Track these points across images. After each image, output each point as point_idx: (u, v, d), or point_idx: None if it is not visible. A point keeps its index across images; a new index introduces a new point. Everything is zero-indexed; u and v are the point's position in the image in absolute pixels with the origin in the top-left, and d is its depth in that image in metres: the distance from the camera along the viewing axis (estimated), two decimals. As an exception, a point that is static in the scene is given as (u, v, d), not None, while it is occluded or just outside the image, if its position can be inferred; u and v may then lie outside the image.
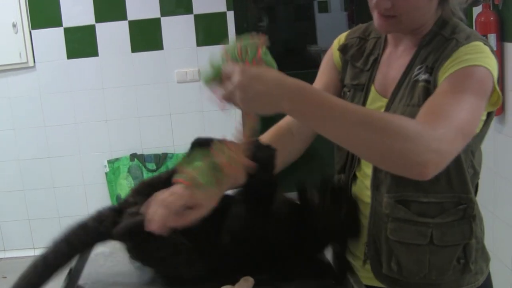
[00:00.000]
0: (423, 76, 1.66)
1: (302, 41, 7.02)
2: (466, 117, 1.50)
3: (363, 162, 1.82)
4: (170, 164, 5.26)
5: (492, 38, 3.56)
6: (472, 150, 1.70)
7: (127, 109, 5.35)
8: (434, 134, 1.41)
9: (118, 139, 5.40)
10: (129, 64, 5.28)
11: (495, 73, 1.60)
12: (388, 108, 1.73)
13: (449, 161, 1.46)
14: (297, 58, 6.75)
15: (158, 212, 1.52)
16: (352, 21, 6.63)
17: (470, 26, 3.90)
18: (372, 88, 1.81)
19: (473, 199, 1.70)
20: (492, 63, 1.60)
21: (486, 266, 1.82)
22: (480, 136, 1.72)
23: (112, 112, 5.36)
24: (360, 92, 1.84)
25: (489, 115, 1.71)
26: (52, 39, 5.22)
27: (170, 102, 5.35)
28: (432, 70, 1.65)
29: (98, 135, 5.39)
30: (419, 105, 1.60)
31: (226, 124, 5.31)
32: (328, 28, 6.91)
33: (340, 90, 1.94)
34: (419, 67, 1.69)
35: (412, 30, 1.73)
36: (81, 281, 1.99)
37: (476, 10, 3.79)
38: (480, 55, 1.59)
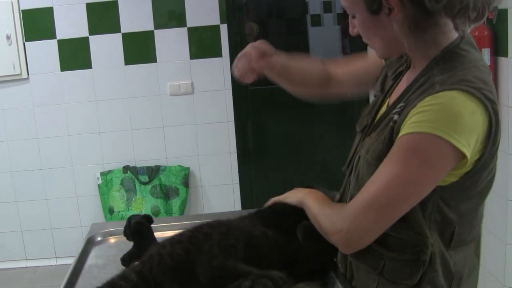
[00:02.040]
0: (395, 117, 1.63)
1: (295, 55, 7.03)
2: (375, 191, 1.56)
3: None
4: (162, 177, 5.27)
5: (486, 52, 3.58)
6: (443, 197, 1.62)
7: (120, 121, 5.35)
8: (340, 216, 1.64)
9: (111, 151, 5.41)
10: (122, 77, 5.29)
11: (459, 132, 1.48)
12: (367, 130, 1.79)
13: (367, 235, 1.60)
14: (290, 72, 6.75)
15: (239, 64, 2.05)
16: (345, 35, 6.64)
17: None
18: (387, 102, 1.80)
19: (428, 244, 1.64)
20: (456, 123, 1.49)
21: None
22: (460, 187, 1.61)
23: (105, 124, 5.37)
24: (375, 102, 1.86)
25: (479, 163, 1.58)
26: (45, 51, 5.22)
27: (163, 114, 5.36)
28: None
29: (91, 147, 5.40)
30: (384, 144, 1.64)
31: (218, 136, 5.37)
32: (321, 42, 6.93)
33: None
34: (401, 104, 1.64)
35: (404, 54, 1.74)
36: (75, 293, 2.00)
37: (469, 24, 3.81)
38: (438, 115, 1.50)
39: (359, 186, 1.70)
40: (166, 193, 5.25)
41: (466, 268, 1.73)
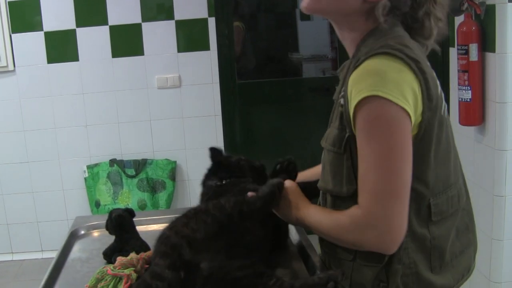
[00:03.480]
0: (341, 101, 1.67)
1: (284, 49, 7.02)
2: (375, 179, 1.56)
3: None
4: (149, 170, 5.25)
5: (474, 48, 3.58)
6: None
7: (107, 114, 5.33)
8: (360, 223, 1.61)
9: (97, 144, 5.39)
10: (110, 69, 5.26)
11: (398, 91, 1.52)
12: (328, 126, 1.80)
13: (399, 220, 1.58)
14: (279, 66, 6.75)
15: None
16: (333, 29, 6.64)
17: (452, 36, 3.95)
18: None
19: None
20: (384, 80, 1.53)
21: None
22: (415, 155, 1.60)
23: (92, 117, 5.34)
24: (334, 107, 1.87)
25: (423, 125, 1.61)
26: (32, 43, 5.19)
27: (150, 108, 5.34)
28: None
29: (77, 140, 5.38)
30: (338, 128, 1.68)
31: (205, 130, 5.35)
32: (310, 36, 6.92)
33: None
34: (343, 88, 1.68)
35: (335, 16, 1.78)
36: (57, 287, 1.99)
37: (458, 19, 3.81)
38: (370, 79, 1.54)
39: (324, 176, 1.77)
40: (153, 187, 5.23)
41: (449, 243, 1.73)
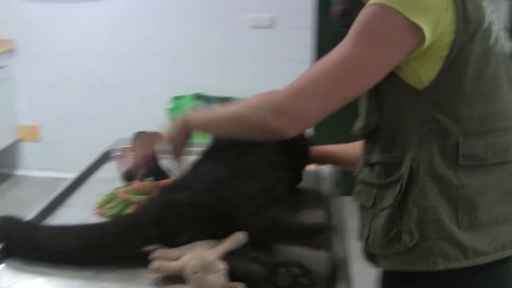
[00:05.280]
0: None
1: None
2: (323, 67, 1.49)
3: None
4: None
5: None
6: (433, 100, 1.50)
7: (197, 48, 5.33)
8: (279, 97, 1.52)
9: (185, 77, 5.41)
10: (203, 2, 5.26)
11: (413, 4, 1.40)
12: None
13: (312, 117, 1.51)
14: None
15: None
16: None
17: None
18: None
19: (405, 159, 1.53)
20: None
21: (457, 253, 1.53)
22: (446, 84, 1.48)
23: (182, 49, 5.37)
24: None
25: (456, 47, 1.46)
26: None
27: (241, 46, 5.31)
28: None
29: (165, 70, 5.42)
30: None
31: (294, 75, 5.24)
32: None
33: None
34: None
35: None
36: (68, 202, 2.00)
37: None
38: None
39: (358, 121, 1.70)
40: (233, 125, 5.20)
41: (486, 200, 1.53)
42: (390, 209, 1.57)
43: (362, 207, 1.69)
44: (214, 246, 1.52)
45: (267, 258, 1.48)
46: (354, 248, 1.71)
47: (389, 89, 1.53)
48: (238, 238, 1.52)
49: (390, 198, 1.57)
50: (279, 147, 1.88)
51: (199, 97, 5.29)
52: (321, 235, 1.63)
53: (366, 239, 1.66)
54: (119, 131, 5.37)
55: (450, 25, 1.43)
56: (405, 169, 1.53)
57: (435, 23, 1.41)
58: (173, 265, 1.48)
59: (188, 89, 5.37)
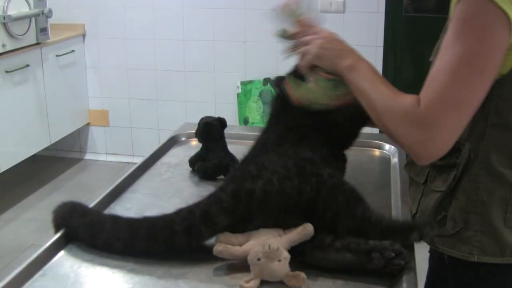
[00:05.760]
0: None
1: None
2: (447, 82, 1.37)
3: None
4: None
5: None
6: (500, 94, 1.45)
7: (265, 32, 5.27)
8: (418, 116, 1.40)
9: (253, 61, 5.37)
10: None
11: None
12: None
13: (452, 135, 1.41)
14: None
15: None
16: None
17: None
18: None
19: (465, 146, 1.49)
20: None
21: (494, 248, 1.53)
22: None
23: (251, 33, 5.32)
24: None
25: None
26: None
27: (312, 31, 5.21)
28: None
29: (234, 55, 5.39)
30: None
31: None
32: None
33: None
34: None
35: None
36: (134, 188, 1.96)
37: None
38: None
39: None
40: (302, 110, 5.16)
41: None
42: (441, 194, 1.56)
43: (413, 180, 1.69)
44: (280, 235, 1.48)
45: (360, 246, 1.42)
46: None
47: None
48: (306, 230, 1.47)
49: (442, 182, 1.56)
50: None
51: (268, 81, 5.25)
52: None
53: (414, 215, 1.66)
54: (187, 115, 5.44)
55: None
56: (462, 158, 1.51)
57: None
58: (237, 249, 1.45)
59: (257, 74, 5.33)
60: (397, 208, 1.80)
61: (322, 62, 1.62)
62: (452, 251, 1.57)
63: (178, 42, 5.42)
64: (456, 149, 1.49)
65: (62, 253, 1.54)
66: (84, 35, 5.63)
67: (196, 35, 5.39)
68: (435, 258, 1.71)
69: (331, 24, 4.91)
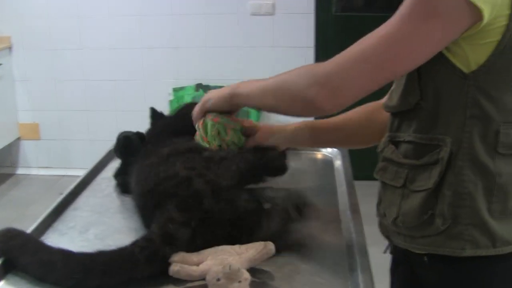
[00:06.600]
0: None
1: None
2: (371, 43, 1.43)
3: None
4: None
5: None
6: (478, 86, 1.43)
7: (196, 37, 5.28)
8: (321, 68, 1.48)
9: (185, 67, 5.35)
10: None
11: None
12: None
13: (354, 86, 1.47)
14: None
15: None
16: None
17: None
18: None
19: (446, 141, 1.48)
20: None
21: (486, 240, 1.51)
22: (493, 70, 1.42)
23: (182, 39, 5.32)
24: None
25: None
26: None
27: (242, 34, 5.23)
28: None
29: (165, 62, 5.36)
30: None
31: (297, 61, 5.19)
32: None
33: None
34: None
35: None
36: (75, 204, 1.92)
37: None
38: None
39: (391, 94, 1.64)
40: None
41: None
42: (425, 193, 1.52)
43: (388, 185, 1.64)
44: (238, 253, 1.44)
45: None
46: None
47: (435, 70, 1.47)
48: (267, 248, 1.45)
49: (424, 181, 1.53)
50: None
51: (200, 87, 5.22)
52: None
53: (394, 219, 1.61)
54: (118, 125, 5.36)
55: (506, 9, 1.36)
56: (444, 153, 1.48)
57: (494, 4, 1.34)
58: (194, 269, 1.40)
59: (189, 80, 5.30)
60: (345, 211, 1.80)
61: (211, 103, 1.79)
62: (443, 249, 1.53)
63: (106, 50, 5.37)
64: (434, 146, 1.49)
65: (1, 283, 1.46)
66: (10, 48, 5.51)
67: (125, 43, 5.34)
68: (412, 260, 1.66)
69: (261, 27, 4.99)
